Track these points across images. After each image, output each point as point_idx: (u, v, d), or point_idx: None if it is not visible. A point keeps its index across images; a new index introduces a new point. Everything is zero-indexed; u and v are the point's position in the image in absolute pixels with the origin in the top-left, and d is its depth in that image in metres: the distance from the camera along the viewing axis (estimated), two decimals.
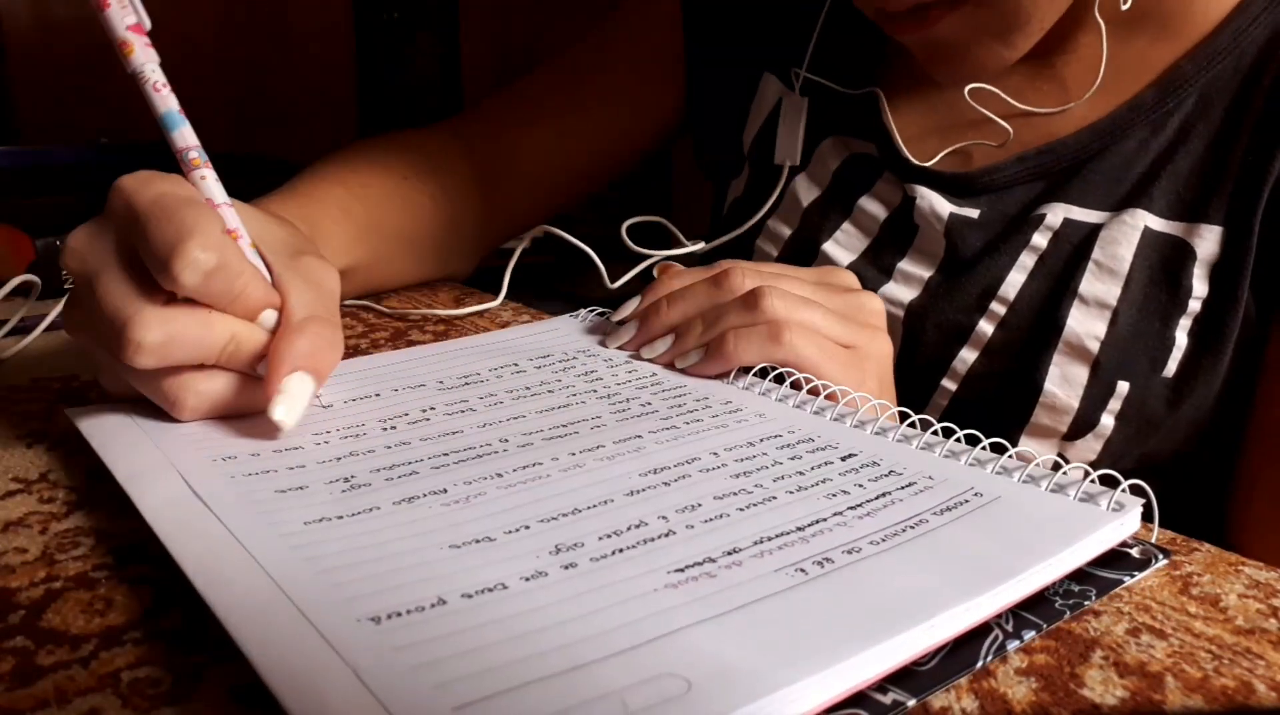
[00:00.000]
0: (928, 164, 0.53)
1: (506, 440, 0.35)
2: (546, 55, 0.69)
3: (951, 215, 0.52)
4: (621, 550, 0.27)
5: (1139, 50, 0.50)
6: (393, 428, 0.36)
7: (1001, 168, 0.51)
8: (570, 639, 0.22)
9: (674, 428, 0.36)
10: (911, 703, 0.22)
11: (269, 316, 0.36)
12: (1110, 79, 0.49)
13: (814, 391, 0.38)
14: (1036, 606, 0.26)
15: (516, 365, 0.43)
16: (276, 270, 0.36)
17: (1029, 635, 0.25)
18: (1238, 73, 0.47)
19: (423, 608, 0.24)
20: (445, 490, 0.30)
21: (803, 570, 0.25)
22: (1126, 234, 0.47)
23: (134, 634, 0.25)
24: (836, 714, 0.22)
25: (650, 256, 0.57)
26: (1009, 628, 0.25)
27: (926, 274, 0.52)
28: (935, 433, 0.34)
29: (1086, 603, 0.27)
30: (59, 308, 0.50)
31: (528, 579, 0.25)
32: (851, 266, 0.54)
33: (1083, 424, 0.47)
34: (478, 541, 0.27)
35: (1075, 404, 0.47)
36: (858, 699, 0.22)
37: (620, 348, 0.45)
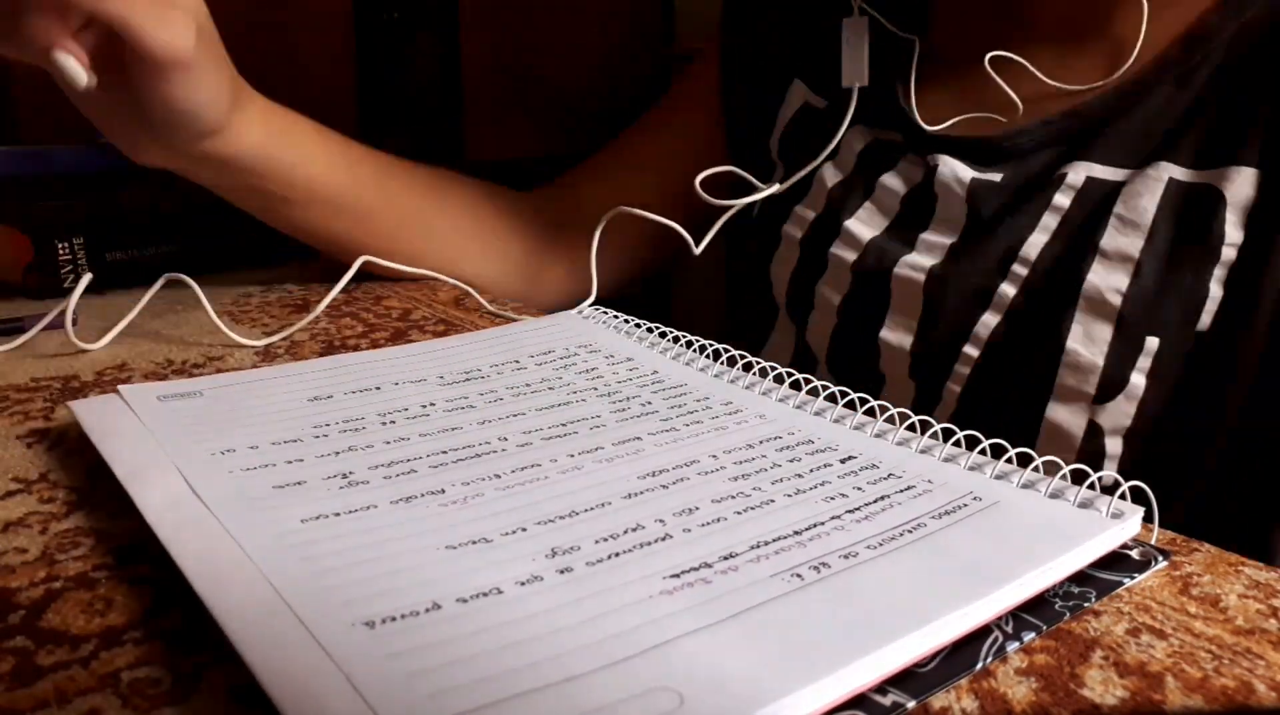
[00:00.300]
0: (943, 129, 0.53)
1: (506, 439, 0.35)
2: (547, 55, 0.70)
3: (973, 180, 0.51)
4: (617, 554, 0.27)
5: (1165, 6, 0.48)
6: (392, 422, 0.36)
7: (1026, 131, 0.50)
8: (563, 648, 0.22)
9: (673, 430, 0.36)
10: (911, 704, 0.22)
11: None
12: (1136, 38, 0.48)
13: (814, 392, 0.38)
14: (1036, 608, 0.26)
15: (517, 362, 0.43)
16: None
17: (1029, 636, 0.25)
18: (1272, 15, 0.46)
19: (417, 612, 0.24)
20: (443, 490, 0.30)
21: (799, 575, 0.25)
22: (1150, 186, 0.45)
23: (134, 634, 0.25)
24: None
25: (730, 205, 0.57)
26: (1009, 629, 0.25)
27: (949, 241, 0.51)
28: (935, 436, 0.34)
29: (1086, 604, 0.27)
30: (59, 308, 0.50)
31: (523, 583, 0.25)
32: (874, 242, 0.54)
33: (1111, 384, 0.45)
34: (474, 543, 0.27)
35: (1100, 362, 0.45)
36: (857, 700, 0.22)
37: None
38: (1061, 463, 0.31)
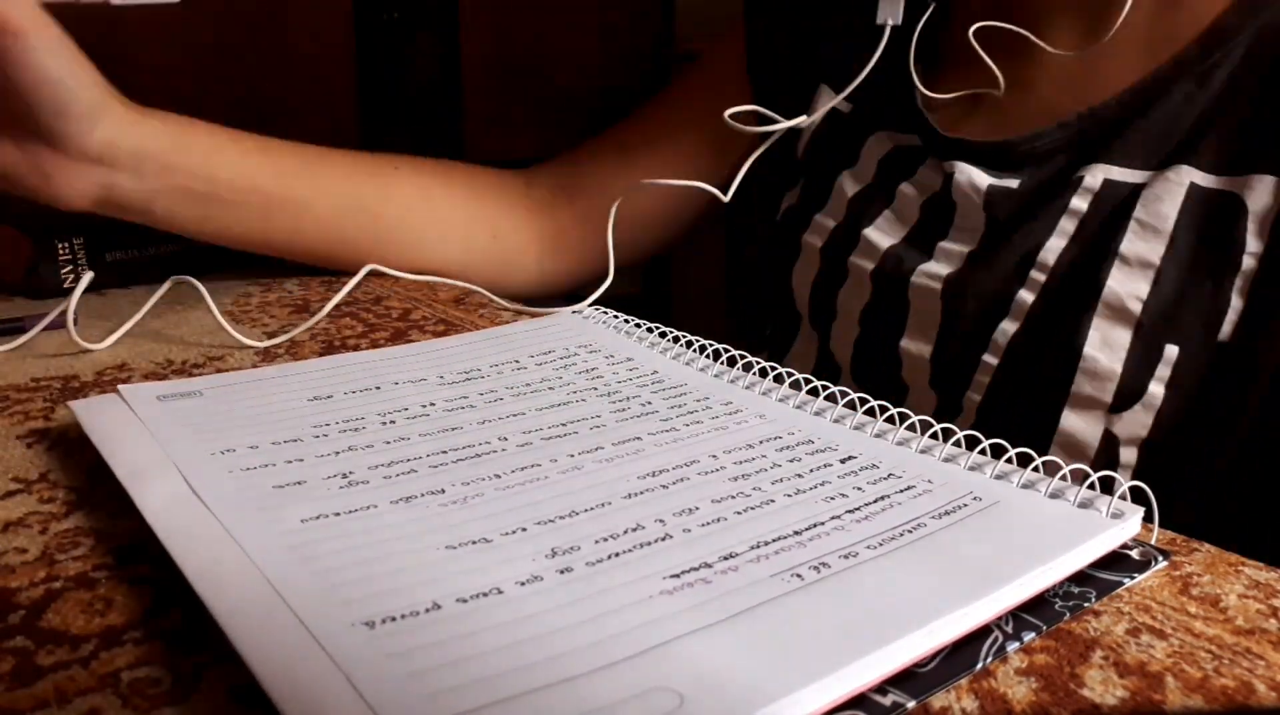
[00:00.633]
0: (956, 134, 0.52)
1: (506, 438, 0.35)
2: (547, 55, 0.70)
3: (990, 187, 0.50)
4: (617, 554, 0.27)
5: (1182, 6, 0.48)
6: (392, 422, 0.36)
7: (1042, 134, 0.50)
8: (563, 648, 0.22)
9: (673, 430, 0.36)
10: (911, 704, 0.22)
11: None
12: (1154, 38, 0.48)
13: (814, 392, 0.38)
14: (1036, 608, 0.26)
15: (518, 361, 0.43)
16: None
17: (1029, 637, 0.25)
18: None
19: (417, 612, 0.24)
20: (443, 490, 0.30)
21: (799, 575, 0.25)
22: (1170, 191, 0.45)
23: (134, 634, 0.25)
24: None
25: (766, 132, 0.58)
26: (1009, 629, 0.25)
27: (967, 249, 0.51)
28: (935, 436, 0.34)
29: (1086, 604, 0.27)
30: (60, 307, 0.50)
31: (523, 584, 0.25)
32: (892, 250, 0.53)
33: (1129, 393, 0.44)
34: (474, 543, 0.27)
35: (1118, 369, 0.44)
36: (857, 700, 0.22)
37: None
38: (1061, 462, 0.30)
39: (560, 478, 0.31)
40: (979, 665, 0.24)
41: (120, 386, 0.38)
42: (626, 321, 0.49)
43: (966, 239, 0.51)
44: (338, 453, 0.33)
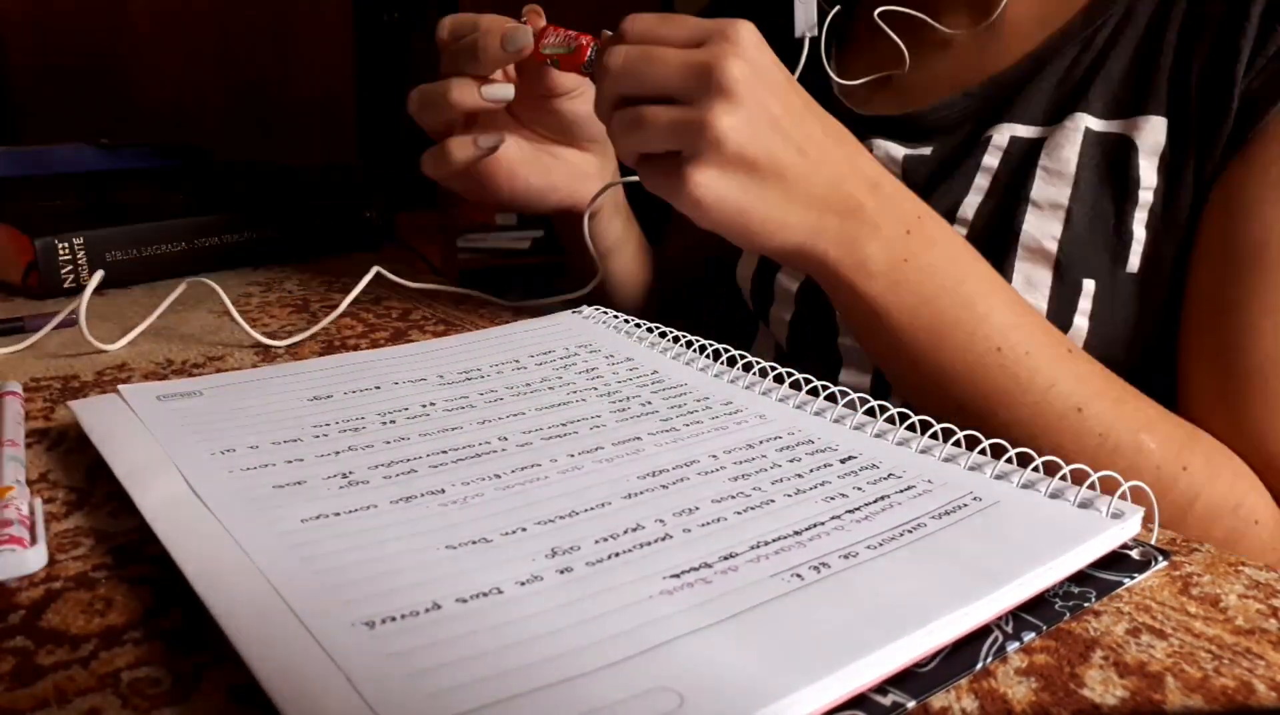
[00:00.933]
0: (870, 112, 0.55)
1: (506, 438, 0.35)
2: None
3: (906, 156, 0.54)
4: (617, 554, 0.27)
5: None
6: (392, 422, 0.36)
7: (950, 103, 0.54)
8: (563, 649, 0.22)
9: (673, 430, 0.36)
10: (911, 704, 0.22)
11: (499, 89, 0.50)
12: (1045, 14, 0.53)
13: (814, 392, 0.38)
14: (1036, 608, 0.26)
15: (518, 361, 0.43)
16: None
17: (1029, 637, 0.25)
18: None
19: (417, 612, 0.24)
20: (443, 490, 0.30)
21: (799, 575, 0.25)
22: (1070, 138, 0.49)
23: (134, 634, 0.25)
24: None
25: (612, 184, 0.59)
26: (1009, 629, 0.25)
27: None
28: (935, 436, 0.34)
29: (1086, 604, 0.27)
30: (71, 307, 0.50)
31: (523, 583, 0.25)
32: None
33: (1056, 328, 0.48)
34: (474, 543, 0.27)
35: (1044, 306, 0.48)
36: (857, 700, 0.22)
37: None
38: (1061, 463, 0.31)
39: (560, 478, 0.31)
40: (979, 665, 0.24)
41: (120, 386, 0.38)
42: (626, 321, 0.49)
43: None
44: (338, 453, 0.33)
